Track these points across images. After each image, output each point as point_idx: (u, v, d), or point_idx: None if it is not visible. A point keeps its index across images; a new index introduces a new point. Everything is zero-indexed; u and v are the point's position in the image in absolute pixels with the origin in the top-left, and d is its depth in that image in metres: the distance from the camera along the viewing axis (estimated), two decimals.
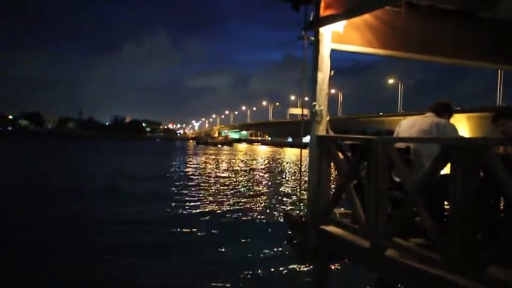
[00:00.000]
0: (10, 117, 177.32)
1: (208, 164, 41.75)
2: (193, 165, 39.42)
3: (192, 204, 17.63)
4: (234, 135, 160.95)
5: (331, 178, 4.98)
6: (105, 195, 18.81)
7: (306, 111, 5.33)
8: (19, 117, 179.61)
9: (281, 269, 9.06)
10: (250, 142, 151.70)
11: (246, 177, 29.43)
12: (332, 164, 4.78)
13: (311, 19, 4.93)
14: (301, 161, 5.57)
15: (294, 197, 19.17)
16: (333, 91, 5.65)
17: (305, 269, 8.51)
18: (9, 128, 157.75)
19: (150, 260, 9.63)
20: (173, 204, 17.50)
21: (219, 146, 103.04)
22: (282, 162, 49.37)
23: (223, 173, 32.56)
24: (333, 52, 4.99)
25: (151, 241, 11.37)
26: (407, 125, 4.22)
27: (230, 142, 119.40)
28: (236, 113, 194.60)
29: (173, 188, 22.30)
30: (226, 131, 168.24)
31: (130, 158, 45.44)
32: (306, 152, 5.25)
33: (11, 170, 26.91)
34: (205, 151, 71.96)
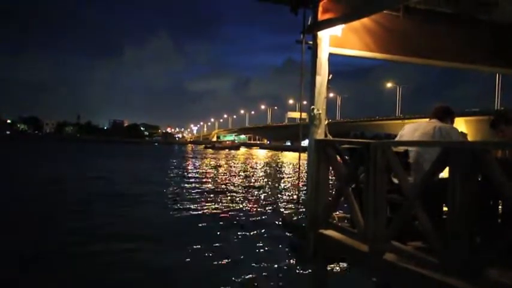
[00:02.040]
0: (8, 121, 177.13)
1: (207, 169, 41.70)
2: (192, 169, 39.41)
3: (190, 206, 17.60)
4: (234, 140, 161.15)
5: (330, 182, 4.97)
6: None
7: (304, 115, 5.33)
8: (17, 122, 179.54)
9: (280, 273, 9.03)
10: (248, 146, 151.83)
11: (245, 181, 29.39)
12: (330, 167, 4.78)
13: (309, 23, 4.94)
14: (299, 164, 5.56)
15: (293, 201, 19.16)
16: (331, 95, 5.66)
17: (304, 273, 8.49)
18: (7, 132, 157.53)
19: (148, 262, 9.60)
20: (171, 206, 17.48)
21: (227, 150, 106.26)
22: (281, 166, 49.34)
23: (221, 177, 32.53)
24: (332, 56, 5.00)
25: (148, 244, 11.34)
26: (411, 129, 4.23)
27: (237, 146, 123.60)
28: (235, 117, 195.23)
29: (171, 191, 22.30)
30: (233, 135, 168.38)
31: (130, 163, 45.37)
32: (304, 156, 5.25)
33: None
34: (204, 156, 71.98)
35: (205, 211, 16.83)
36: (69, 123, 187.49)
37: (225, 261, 10.05)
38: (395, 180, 3.82)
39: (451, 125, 4.12)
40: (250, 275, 9.04)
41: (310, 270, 5.07)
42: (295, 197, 19.00)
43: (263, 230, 13.41)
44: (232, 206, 18.11)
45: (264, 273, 9.15)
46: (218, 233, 13.02)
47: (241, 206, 18.39)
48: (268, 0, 5.09)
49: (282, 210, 17.45)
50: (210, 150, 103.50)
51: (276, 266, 9.56)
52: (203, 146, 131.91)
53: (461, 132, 4.45)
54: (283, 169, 44.27)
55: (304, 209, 5.03)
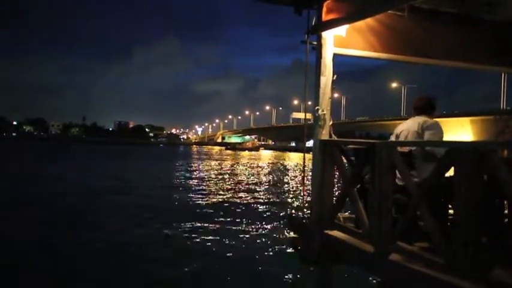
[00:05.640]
0: (14, 122, 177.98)
1: (212, 169, 41.77)
2: (197, 170, 39.45)
3: (194, 206, 17.65)
4: (237, 140, 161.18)
5: (335, 182, 4.96)
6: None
7: (309, 116, 5.32)
8: (24, 123, 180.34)
9: (284, 273, 9.03)
10: None
11: (250, 182, 29.41)
12: (335, 168, 4.77)
13: (313, 23, 4.93)
14: (304, 165, 5.56)
15: (298, 202, 19.16)
16: (336, 95, 5.66)
17: (309, 273, 8.49)
18: (14, 134, 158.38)
19: (149, 264, 9.63)
20: (174, 205, 17.53)
21: (247, 151, 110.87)
22: (286, 167, 49.32)
23: (226, 177, 32.55)
24: (336, 57, 4.99)
25: (151, 243, 11.39)
26: (404, 130, 4.26)
27: (257, 148, 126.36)
28: (239, 117, 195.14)
29: (175, 189, 22.36)
30: (251, 137, 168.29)
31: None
32: (309, 157, 5.24)
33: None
34: (212, 157, 72.19)
35: (206, 209, 16.89)
36: (74, 125, 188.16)
37: (228, 260, 10.07)
38: (400, 183, 3.82)
39: (433, 120, 4.13)
40: (253, 276, 9.05)
41: (314, 271, 5.07)
42: (300, 197, 19.02)
43: (267, 231, 13.42)
44: (237, 206, 18.12)
45: (268, 274, 9.16)
46: (221, 232, 13.05)
47: (246, 206, 18.40)
48: (272, 1, 5.10)
49: (286, 210, 17.45)
50: (217, 151, 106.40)
51: (280, 266, 9.56)
52: (224, 147, 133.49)
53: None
54: (288, 170, 44.24)
55: (309, 210, 5.03)
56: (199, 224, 13.98)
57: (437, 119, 4.25)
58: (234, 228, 13.69)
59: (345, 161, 4.66)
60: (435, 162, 3.40)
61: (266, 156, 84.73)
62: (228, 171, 38.96)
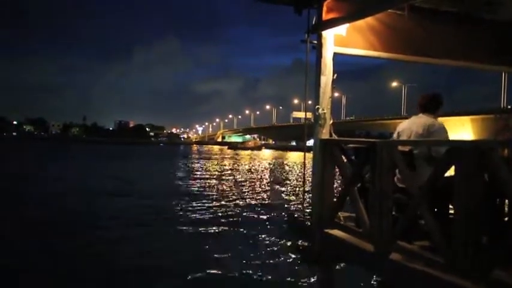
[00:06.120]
0: (14, 122, 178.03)
1: (213, 168, 41.78)
2: (197, 170, 39.46)
3: (195, 206, 17.63)
4: (238, 140, 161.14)
5: (335, 181, 4.96)
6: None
7: (309, 115, 5.32)
8: (24, 123, 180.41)
9: (285, 273, 9.03)
10: None
11: (250, 181, 29.40)
12: (336, 167, 4.77)
13: (314, 22, 4.93)
14: (304, 164, 5.55)
15: (299, 201, 19.14)
16: (336, 94, 5.65)
17: (309, 273, 8.48)
18: (14, 134, 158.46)
19: (149, 265, 9.62)
20: (175, 205, 17.50)
21: (249, 150, 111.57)
22: (286, 166, 49.32)
23: (227, 176, 32.55)
24: (337, 56, 4.99)
25: (151, 243, 11.38)
26: (406, 128, 4.23)
27: (259, 147, 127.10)
28: (240, 117, 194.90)
29: (175, 189, 22.35)
30: (251, 136, 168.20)
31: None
32: (310, 156, 5.24)
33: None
34: (211, 156, 72.22)
35: (206, 209, 16.89)
36: (75, 125, 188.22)
37: (229, 260, 10.06)
38: (399, 184, 3.81)
39: (439, 123, 4.10)
40: (254, 276, 9.05)
41: (315, 270, 5.07)
42: (300, 196, 19.01)
43: (268, 230, 13.41)
44: (238, 206, 18.12)
45: (269, 274, 9.15)
46: (223, 232, 13.05)
47: (246, 206, 18.40)
48: (272, 1, 5.10)
49: (287, 210, 17.45)
50: (218, 150, 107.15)
51: (281, 266, 9.56)
52: (226, 146, 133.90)
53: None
54: (289, 169, 44.25)
55: (309, 209, 5.03)
56: (199, 225, 13.98)
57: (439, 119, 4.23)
58: (234, 228, 13.69)
59: (345, 160, 4.66)
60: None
61: (267, 155, 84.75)
62: (229, 171, 38.94)
